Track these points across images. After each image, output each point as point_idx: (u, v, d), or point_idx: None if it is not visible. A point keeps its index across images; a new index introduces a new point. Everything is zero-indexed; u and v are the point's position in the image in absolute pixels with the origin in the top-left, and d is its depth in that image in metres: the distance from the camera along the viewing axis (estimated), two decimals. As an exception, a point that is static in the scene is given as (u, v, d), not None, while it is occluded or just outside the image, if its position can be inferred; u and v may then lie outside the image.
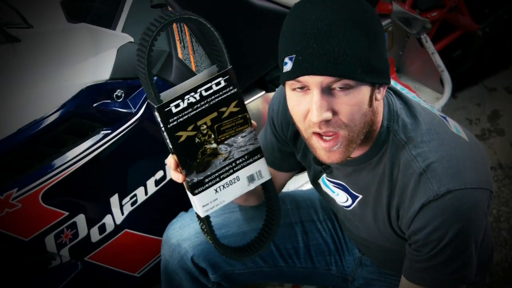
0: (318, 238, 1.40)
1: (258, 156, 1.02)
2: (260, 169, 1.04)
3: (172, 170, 0.98)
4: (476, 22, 2.34)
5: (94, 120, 1.30)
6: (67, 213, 1.33)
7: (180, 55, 1.48)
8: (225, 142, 0.98)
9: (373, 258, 1.35)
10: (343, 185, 1.12)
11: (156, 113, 0.91)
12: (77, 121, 1.27)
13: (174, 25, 1.55)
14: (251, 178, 1.03)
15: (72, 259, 1.40)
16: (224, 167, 1.00)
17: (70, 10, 1.37)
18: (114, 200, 1.40)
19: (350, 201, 1.13)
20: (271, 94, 2.01)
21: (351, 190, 1.11)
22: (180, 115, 0.92)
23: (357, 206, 1.12)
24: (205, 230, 1.05)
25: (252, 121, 1.00)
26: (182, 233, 1.31)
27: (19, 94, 1.21)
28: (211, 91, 0.94)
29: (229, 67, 0.95)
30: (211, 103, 0.94)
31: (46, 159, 1.26)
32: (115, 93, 1.32)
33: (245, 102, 0.97)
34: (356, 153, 1.03)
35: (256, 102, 2.03)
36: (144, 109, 1.34)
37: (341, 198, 1.16)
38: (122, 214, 1.42)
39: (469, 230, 0.95)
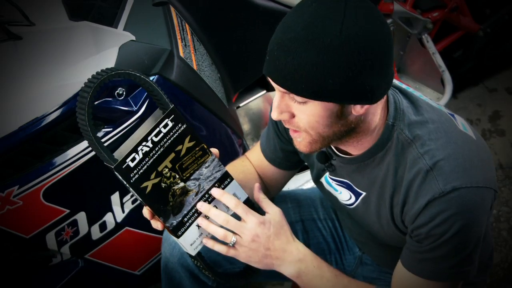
0: (319, 236, 1.40)
1: (228, 180, 1.04)
2: (235, 192, 1.05)
3: (150, 220, 0.99)
4: (477, 22, 2.34)
5: (95, 118, 1.30)
6: (68, 211, 1.33)
7: (181, 54, 1.48)
8: (191, 177, 0.99)
9: (374, 256, 1.35)
10: (347, 182, 1.13)
11: (116, 173, 0.92)
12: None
13: (176, 23, 1.55)
14: None
15: (72, 257, 1.40)
16: (199, 201, 1.01)
17: (72, 8, 1.38)
18: (115, 198, 1.40)
19: (353, 199, 1.13)
20: (272, 93, 2.02)
21: (355, 187, 1.11)
22: (139, 167, 0.93)
23: (361, 204, 1.12)
24: (201, 266, 1.05)
25: (212, 149, 1.01)
26: (183, 231, 1.31)
27: (20, 92, 1.21)
28: (161, 134, 0.95)
29: (171, 107, 0.97)
30: (165, 146, 0.96)
31: (47, 156, 1.27)
32: (116, 91, 1.32)
33: (247, 101, 0.98)
34: (359, 150, 1.04)
35: (257, 101, 2.04)
36: (146, 108, 1.34)
37: (344, 196, 1.16)
38: (123, 212, 1.42)
39: (471, 228, 0.95)
